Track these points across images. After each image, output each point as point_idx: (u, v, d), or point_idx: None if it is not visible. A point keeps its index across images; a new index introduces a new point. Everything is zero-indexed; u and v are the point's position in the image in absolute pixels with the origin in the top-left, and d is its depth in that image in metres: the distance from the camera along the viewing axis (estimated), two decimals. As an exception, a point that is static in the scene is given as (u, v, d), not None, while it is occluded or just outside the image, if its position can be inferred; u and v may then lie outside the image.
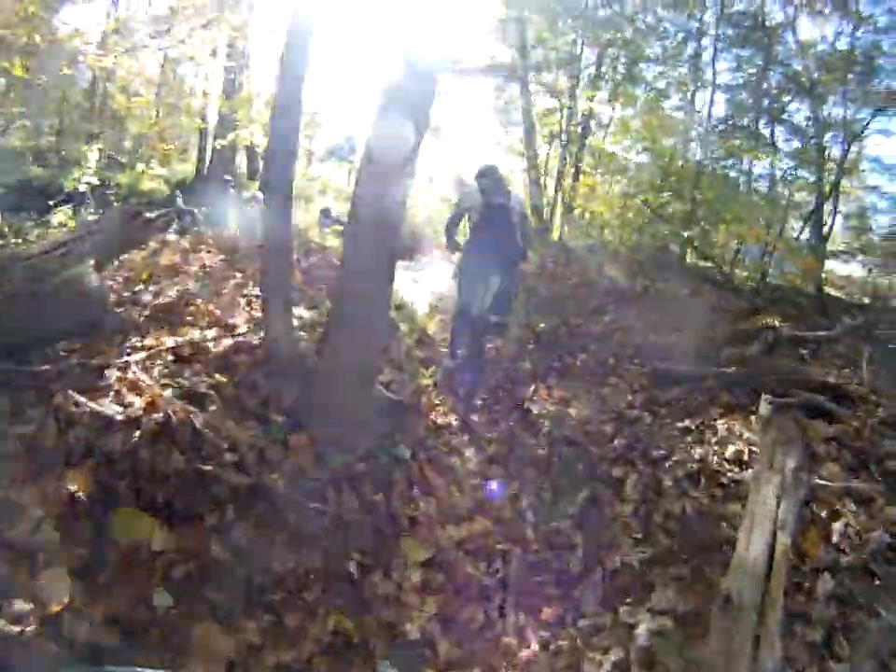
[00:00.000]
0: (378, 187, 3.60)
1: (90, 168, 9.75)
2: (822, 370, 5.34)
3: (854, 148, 14.57)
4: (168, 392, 3.22)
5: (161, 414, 2.92)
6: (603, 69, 14.89)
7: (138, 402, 3.01)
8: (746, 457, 4.21)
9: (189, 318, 4.27)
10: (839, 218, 14.95)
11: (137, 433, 2.83)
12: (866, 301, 12.66)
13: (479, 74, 14.93)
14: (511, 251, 5.67)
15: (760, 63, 14.10)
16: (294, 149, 3.87)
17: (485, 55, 14.86)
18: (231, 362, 3.78)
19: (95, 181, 9.60)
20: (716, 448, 4.33)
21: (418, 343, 6.60)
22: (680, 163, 9.46)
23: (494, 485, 4.46)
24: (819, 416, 4.42)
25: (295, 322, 4.35)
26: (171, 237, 6.33)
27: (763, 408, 4.37)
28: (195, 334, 4.01)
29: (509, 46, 14.80)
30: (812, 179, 13.92)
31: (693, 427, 4.60)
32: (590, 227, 15.41)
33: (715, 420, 4.67)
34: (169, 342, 3.80)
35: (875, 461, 4.10)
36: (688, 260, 10.46)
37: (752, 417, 4.62)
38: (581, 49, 14.38)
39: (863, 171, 15.40)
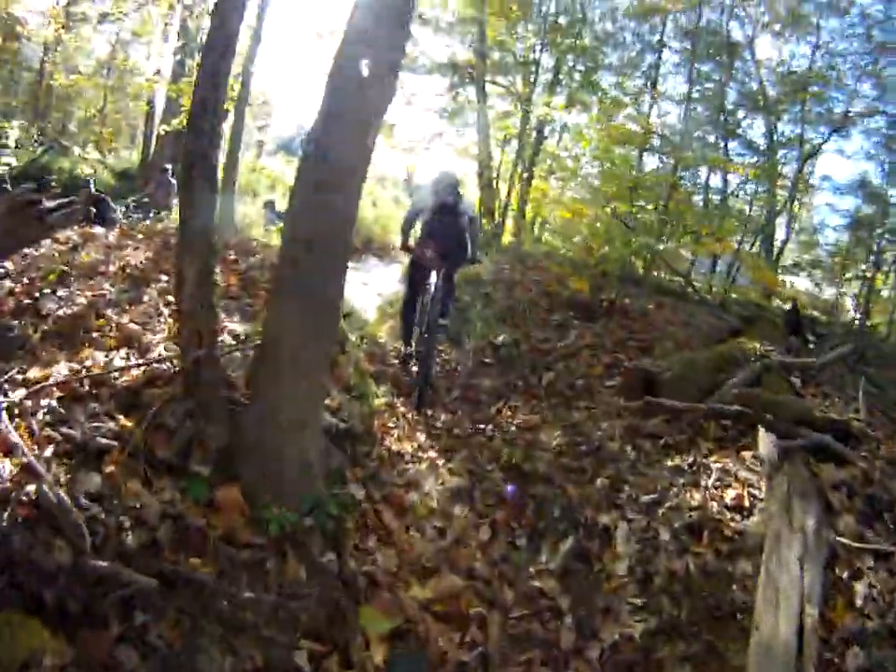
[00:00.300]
0: (330, 163, 2.86)
1: (7, 149, 8.66)
2: (816, 401, 4.85)
3: (807, 167, 14.70)
4: (49, 450, 2.40)
5: (34, 487, 2.12)
6: (560, 76, 14.56)
7: (7, 469, 2.21)
8: (746, 503, 3.65)
9: (96, 335, 3.40)
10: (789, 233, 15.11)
11: (6, 514, 2.04)
12: (815, 313, 12.61)
13: (435, 73, 14.35)
14: (457, 253, 5.74)
15: (717, 78, 14.06)
16: (220, 122, 3.03)
17: (442, 54, 14.34)
18: (141, 398, 2.91)
19: (14, 162, 8.52)
20: (714, 492, 3.74)
21: (368, 356, 5.94)
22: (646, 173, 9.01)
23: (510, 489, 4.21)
24: (827, 458, 3.88)
25: (227, 339, 3.59)
26: (97, 230, 5.50)
27: (769, 450, 3.81)
28: (99, 358, 3.12)
29: (467, 46, 14.35)
30: (765, 194, 13.95)
31: (686, 467, 4.00)
32: (543, 231, 15.09)
33: (707, 457, 4.10)
34: (62, 371, 2.90)
35: (887, 508, 3.58)
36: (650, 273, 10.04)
37: (745, 454, 4.08)
38: (540, 54, 13.97)
39: (817, 189, 15.58)
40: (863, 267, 15.36)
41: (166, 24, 12.58)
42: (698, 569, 3.27)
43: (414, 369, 5.89)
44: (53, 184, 9.91)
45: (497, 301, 8.05)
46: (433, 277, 5.78)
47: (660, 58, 14.43)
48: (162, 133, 12.41)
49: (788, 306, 10.01)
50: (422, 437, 5.02)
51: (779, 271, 12.91)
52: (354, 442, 4.02)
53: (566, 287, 8.37)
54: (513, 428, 5.13)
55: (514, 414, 5.38)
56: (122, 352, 3.25)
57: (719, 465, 3.98)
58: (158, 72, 12.60)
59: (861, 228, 14.83)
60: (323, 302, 3.02)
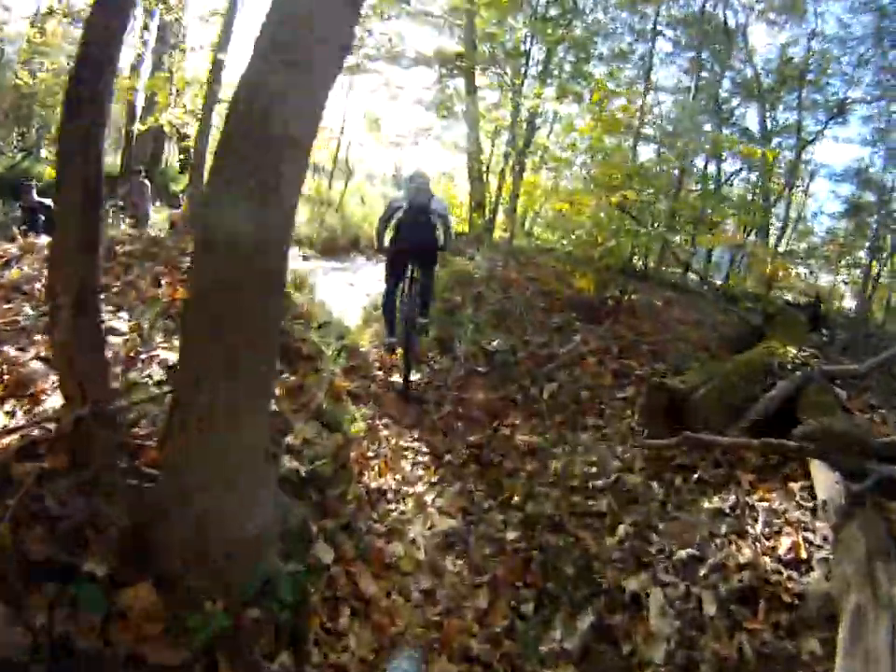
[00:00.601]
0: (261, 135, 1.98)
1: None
2: (865, 416, 4.00)
3: (805, 154, 14.04)
4: None
5: None
6: (551, 67, 13.78)
7: None
8: (803, 553, 2.82)
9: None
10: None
11: None
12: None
13: (422, 65, 13.48)
14: (430, 250, 5.71)
15: (710, 67, 13.49)
16: (106, 111, 2.12)
17: (429, 45, 13.51)
18: (13, 474, 1.98)
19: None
20: (765, 543, 2.91)
21: (347, 372, 5.10)
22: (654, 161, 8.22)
23: None
24: (891, 493, 3.03)
25: (156, 371, 2.74)
26: (41, 241, 4.70)
27: (833, 492, 2.95)
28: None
29: (456, 38, 13.56)
30: (760, 182, 13.32)
31: (727, 510, 3.15)
32: (534, 225, 14.32)
33: (750, 494, 3.25)
34: None
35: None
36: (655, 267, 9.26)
37: (793, 485, 3.25)
38: (531, 45, 13.16)
39: (815, 175, 14.99)
40: (861, 254, 14.73)
41: (145, 23, 11.76)
42: (754, 652, 2.45)
43: (398, 379, 5.54)
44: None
45: (489, 302, 7.16)
46: (406, 274, 5.73)
47: (653, 47, 13.72)
48: (136, 133, 11.55)
49: (794, 298, 9.33)
50: (408, 466, 4.21)
51: (778, 259, 12.20)
52: (323, 487, 3.18)
53: (565, 284, 7.50)
54: (513, 453, 4.30)
55: (513, 435, 4.54)
56: (9, 404, 2.33)
57: (765, 504, 3.14)
58: (134, 69, 11.71)
59: (859, 214, 14.21)
60: (256, 322, 2.12)
